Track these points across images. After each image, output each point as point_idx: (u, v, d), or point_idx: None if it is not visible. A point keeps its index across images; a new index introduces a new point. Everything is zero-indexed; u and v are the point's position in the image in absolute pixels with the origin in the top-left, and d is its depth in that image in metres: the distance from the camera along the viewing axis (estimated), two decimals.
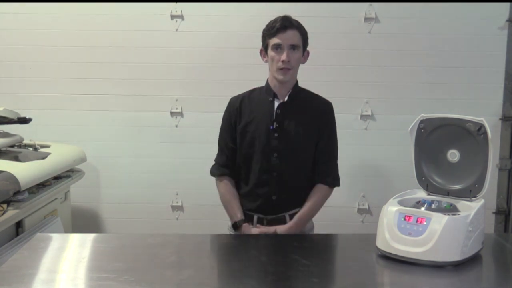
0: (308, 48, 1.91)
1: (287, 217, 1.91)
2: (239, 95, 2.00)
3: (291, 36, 1.80)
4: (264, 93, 1.92)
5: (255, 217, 1.92)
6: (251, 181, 1.91)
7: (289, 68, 1.82)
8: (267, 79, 1.92)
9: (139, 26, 3.16)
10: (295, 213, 1.92)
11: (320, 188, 1.93)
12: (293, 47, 1.81)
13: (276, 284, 1.36)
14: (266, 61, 1.89)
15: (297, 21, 1.85)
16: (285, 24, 1.80)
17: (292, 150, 1.88)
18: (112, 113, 3.23)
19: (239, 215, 1.92)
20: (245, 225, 1.90)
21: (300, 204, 1.93)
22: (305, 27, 1.88)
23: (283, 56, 1.79)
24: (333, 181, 1.95)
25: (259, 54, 1.94)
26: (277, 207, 1.90)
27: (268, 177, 1.88)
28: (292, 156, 1.88)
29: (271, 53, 1.83)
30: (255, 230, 1.89)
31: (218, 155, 2.02)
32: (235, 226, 1.91)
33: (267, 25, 1.85)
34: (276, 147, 1.87)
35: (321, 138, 1.91)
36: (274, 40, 1.81)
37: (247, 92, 1.99)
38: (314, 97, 1.96)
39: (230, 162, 1.98)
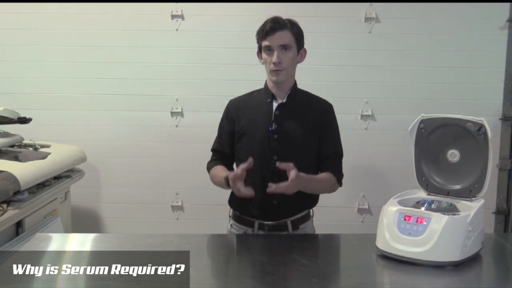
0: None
1: (289, 223, 1.87)
2: (237, 97, 1.99)
3: (281, 36, 1.79)
4: (262, 95, 1.91)
5: (256, 223, 1.88)
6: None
7: (281, 69, 1.81)
8: (265, 81, 1.92)
9: (139, 26, 3.17)
10: (297, 219, 1.89)
11: (329, 174, 1.86)
12: (284, 47, 1.79)
13: (276, 284, 1.36)
14: (263, 63, 1.88)
15: (289, 21, 1.82)
16: (274, 26, 1.78)
17: (292, 151, 1.85)
18: (112, 113, 3.23)
19: (225, 174, 1.79)
20: (230, 175, 1.74)
21: (302, 210, 1.91)
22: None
23: (274, 58, 1.79)
24: (339, 177, 1.92)
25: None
26: (279, 213, 1.86)
27: (268, 181, 1.79)
28: (293, 158, 1.81)
29: (263, 55, 1.83)
30: (232, 174, 1.70)
31: (211, 155, 2.03)
32: (228, 183, 1.78)
33: (259, 28, 1.84)
34: (276, 149, 1.84)
35: (324, 138, 1.89)
36: (265, 42, 1.81)
37: (246, 94, 1.98)
38: (313, 98, 1.94)
39: (220, 161, 1.97)
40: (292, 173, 1.65)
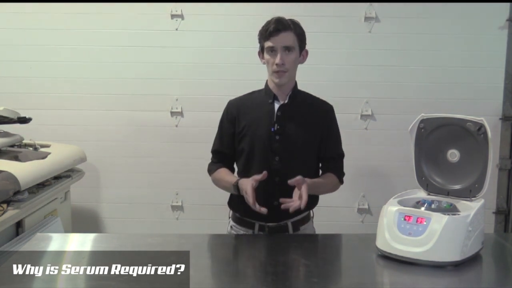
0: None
1: (290, 225, 1.87)
2: (237, 97, 1.97)
3: (284, 38, 1.78)
4: (263, 95, 1.90)
5: (256, 225, 1.87)
6: None
7: (284, 71, 1.80)
8: (266, 81, 1.91)
9: (139, 26, 3.17)
10: (298, 221, 1.88)
11: (331, 175, 1.89)
12: (287, 48, 1.79)
13: (276, 284, 1.36)
14: (264, 63, 1.88)
15: (292, 22, 1.81)
16: (277, 26, 1.77)
17: (294, 152, 1.84)
18: (112, 113, 3.23)
19: (234, 179, 1.82)
20: (240, 181, 1.77)
21: (303, 211, 1.87)
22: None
23: (277, 59, 1.78)
24: (341, 176, 1.93)
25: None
26: (279, 214, 1.82)
27: (269, 182, 1.80)
28: (294, 159, 1.84)
29: (266, 56, 1.82)
30: (250, 186, 1.69)
31: (211, 157, 2.01)
32: (237, 188, 1.79)
33: (261, 28, 1.83)
34: (278, 150, 1.84)
35: (325, 139, 1.89)
36: (268, 43, 1.79)
37: (246, 94, 1.97)
38: (314, 99, 1.94)
39: (222, 163, 1.96)
40: (304, 187, 1.65)
